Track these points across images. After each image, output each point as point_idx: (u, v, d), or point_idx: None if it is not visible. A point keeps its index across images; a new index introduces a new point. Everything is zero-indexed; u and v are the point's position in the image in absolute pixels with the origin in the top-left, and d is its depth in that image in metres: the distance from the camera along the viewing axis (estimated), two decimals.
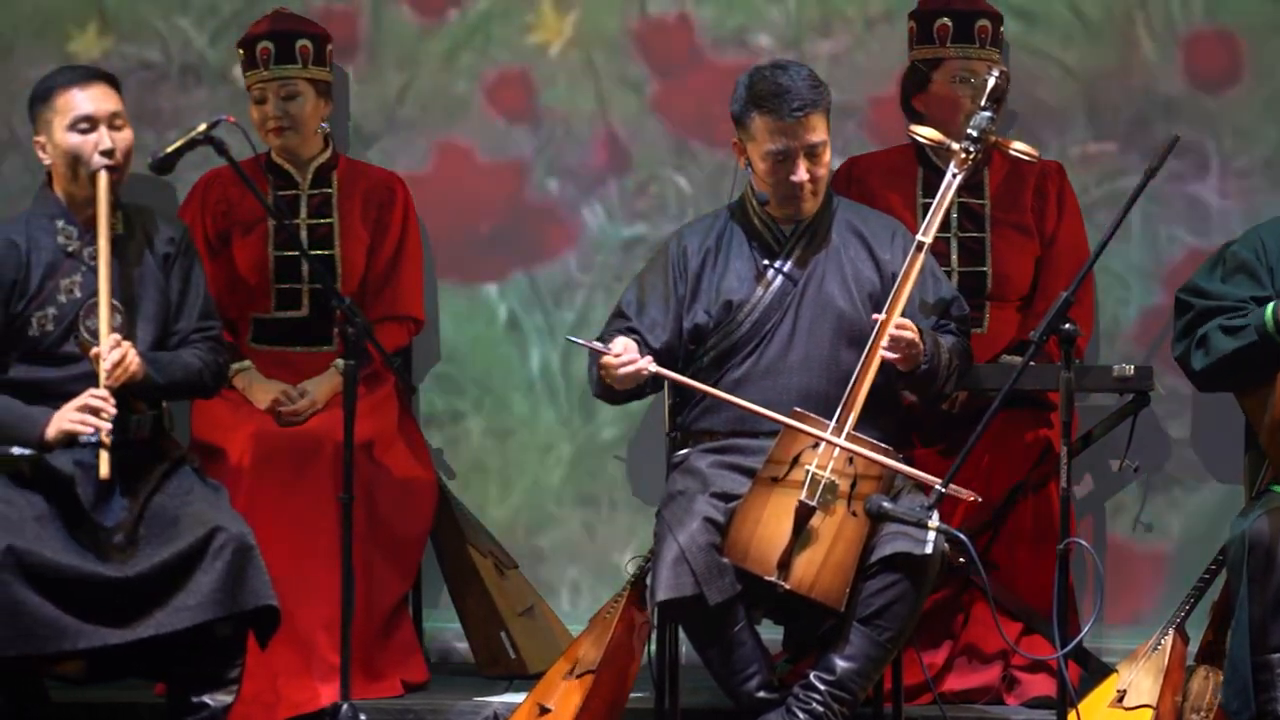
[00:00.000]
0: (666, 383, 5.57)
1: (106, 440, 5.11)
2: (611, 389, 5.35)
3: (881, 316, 5.26)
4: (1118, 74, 6.33)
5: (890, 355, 5.24)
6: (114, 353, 5.17)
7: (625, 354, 5.26)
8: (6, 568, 4.99)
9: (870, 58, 6.36)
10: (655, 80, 6.46)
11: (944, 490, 5.15)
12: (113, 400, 5.14)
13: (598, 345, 5.29)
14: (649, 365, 5.26)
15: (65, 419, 5.17)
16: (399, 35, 6.49)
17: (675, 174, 6.46)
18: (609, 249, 6.44)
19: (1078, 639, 5.36)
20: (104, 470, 5.10)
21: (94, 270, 5.29)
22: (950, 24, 6.01)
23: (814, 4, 6.40)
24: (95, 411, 5.13)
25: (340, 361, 5.72)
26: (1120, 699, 5.37)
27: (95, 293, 5.26)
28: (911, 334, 5.25)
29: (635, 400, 5.51)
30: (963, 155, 5.40)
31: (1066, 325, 5.17)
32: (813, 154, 5.36)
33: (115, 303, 5.27)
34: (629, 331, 5.43)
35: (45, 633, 5.01)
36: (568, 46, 6.48)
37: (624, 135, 6.45)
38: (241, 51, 6.12)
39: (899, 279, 5.32)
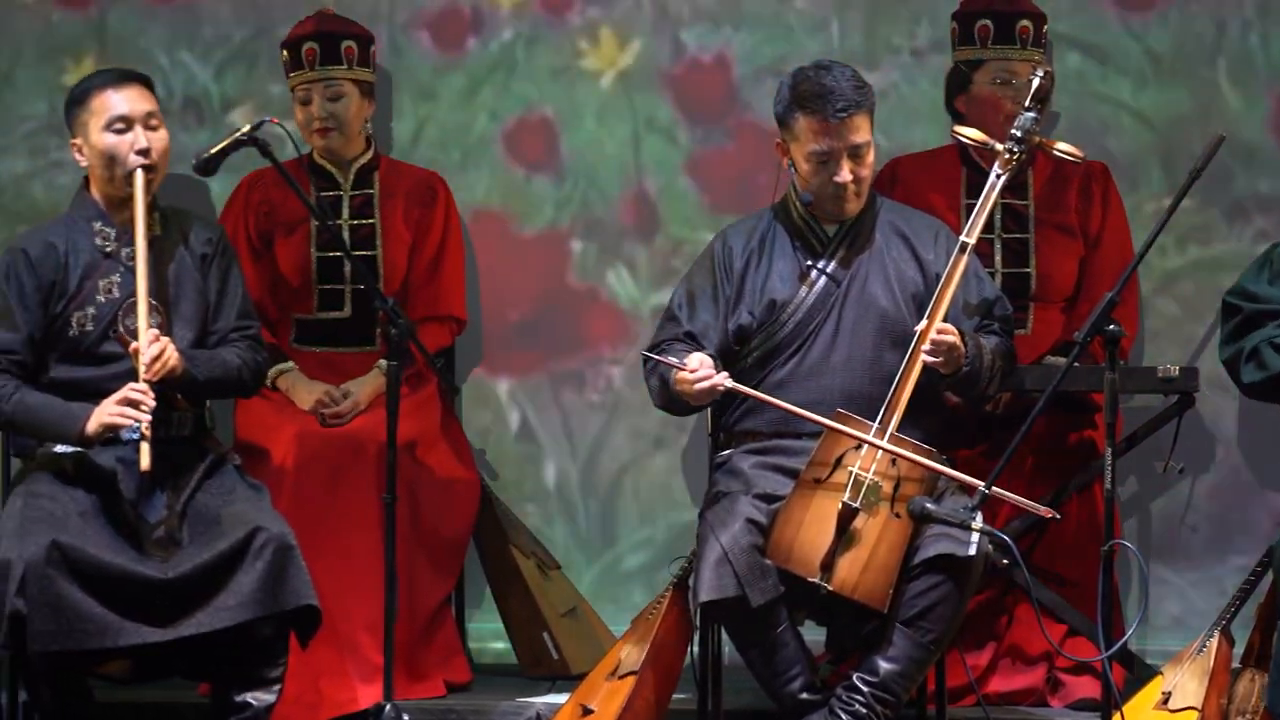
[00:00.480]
0: None
1: (147, 433, 5.13)
2: (675, 401, 5.35)
3: (923, 323, 5.25)
4: (1195, 120, 6.18)
5: (931, 359, 5.22)
6: (153, 347, 5.19)
7: (700, 369, 5.25)
8: (52, 563, 5.01)
9: (917, 93, 6.31)
10: (688, 128, 6.36)
11: (988, 492, 5.13)
12: (152, 393, 5.16)
13: (673, 361, 5.27)
14: (725, 381, 5.25)
15: (105, 413, 5.19)
16: (417, 68, 6.42)
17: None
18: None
19: (1122, 641, 5.34)
20: (144, 462, 5.12)
21: (132, 270, 5.31)
22: (991, 25, 5.99)
23: (858, 35, 6.35)
24: (135, 404, 5.15)
25: (383, 362, 5.72)
26: (1165, 701, 5.34)
27: (133, 292, 5.28)
28: (952, 338, 5.24)
29: (696, 413, 5.50)
30: (1006, 156, 5.38)
31: (1111, 326, 5.15)
32: (856, 154, 5.35)
33: (154, 302, 5.29)
34: (687, 337, 5.42)
35: (88, 628, 5.03)
36: (600, 85, 6.41)
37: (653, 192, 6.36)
38: (286, 53, 6.13)
39: (942, 280, 5.31)
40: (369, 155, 6.18)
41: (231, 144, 5.33)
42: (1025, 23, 5.99)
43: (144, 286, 5.23)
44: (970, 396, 5.42)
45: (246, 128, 5.33)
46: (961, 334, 5.28)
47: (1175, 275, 6.22)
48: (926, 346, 5.22)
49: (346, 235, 6.09)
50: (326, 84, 6.07)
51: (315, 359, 6.10)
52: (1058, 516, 5.23)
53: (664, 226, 6.40)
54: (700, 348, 5.37)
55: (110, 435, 5.21)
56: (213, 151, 5.33)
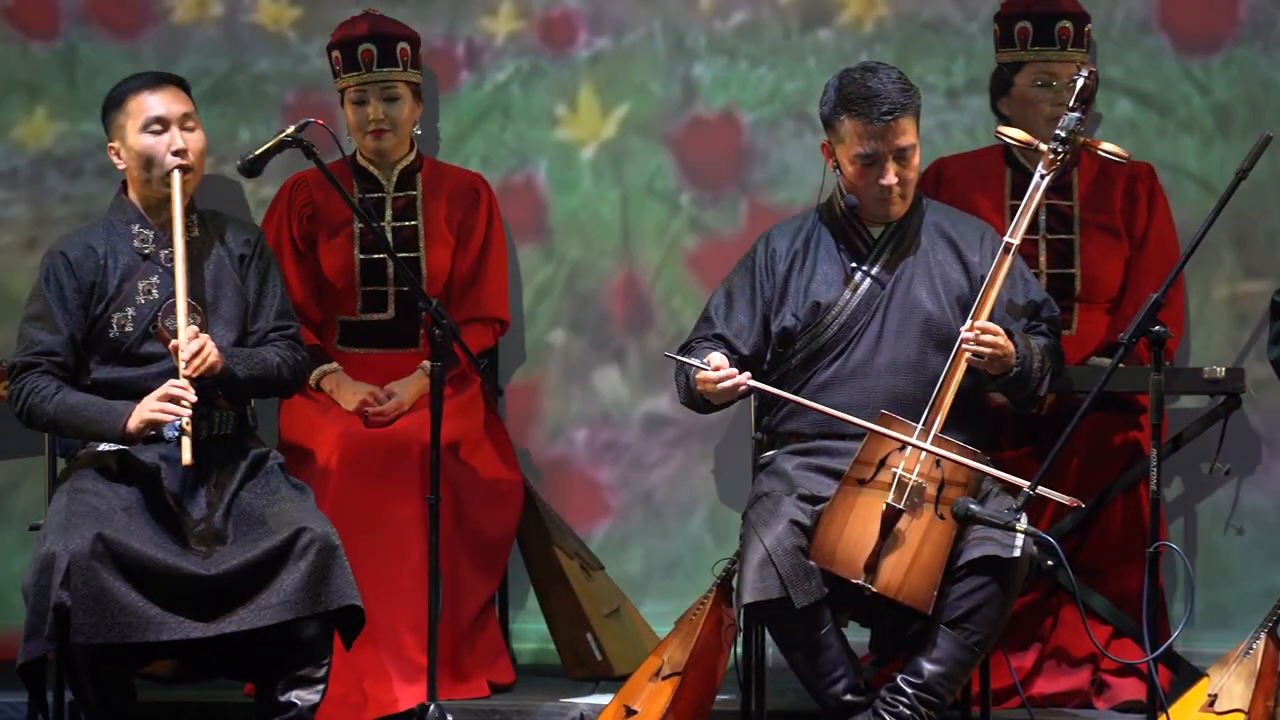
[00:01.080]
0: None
1: (188, 427, 5.15)
2: (698, 400, 5.35)
3: (968, 324, 5.24)
4: (1271, 189, 6.02)
5: (976, 359, 5.21)
6: (192, 343, 5.21)
7: (722, 369, 5.26)
8: (96, 556, 5.03)
9: (948, 132, 6.26)
10: (693, 195, 6.30)
11: (1032, 493, 5.12)
12: (192, 389, 5.18)
13: (694, 362, 5.28)
14: (746, 380, 5.25)
15: (146, 409, 5.21)
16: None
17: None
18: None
19: (1168, 642, 5.32)
20: (186, 456, 5.14)
21: (170, 271, 5.34)
22: (1029, 27, 5.98)
23: None
24: (175, 400, 5.17)
25: (427, 363, 5.73)
26: (1211, 704, 5.32)
27: (173, 293, 5.31)
28: (998, 339, 5.22)
29: (722, 410, 5.50)
30: (1050, 156, 5.37)
31: (1156, 327, 5.14)
32: (902, 157, 5.34)
33: (192, 303, 5.31)
34: (716, 339, 5.42)
35: (131, 622, 5.04)
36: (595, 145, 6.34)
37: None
38: (338, 54, 6.11)
39: (986, 281, 5.30)
40: (412, 156, 6.19)
41: (276, 145, 5.34)
42: (1065, 23, 5.97)
43: (183, 285, 5.25)
44: (1020, 399, 5.40)
45: (291, 129, 5.34)
46: (1010, 334, 5.27)
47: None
48: (970, 347, 5.21)
49: (390, 237, 6.09)
50: (383, 86, 6.07)
51: (359, 360, 6.11)
52: (1082, 505, 5.20)
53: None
54: (731, 350, 5.38)
55: (152, 432, 5.24)
56: (257, 153, 5.34)
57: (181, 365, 5.20)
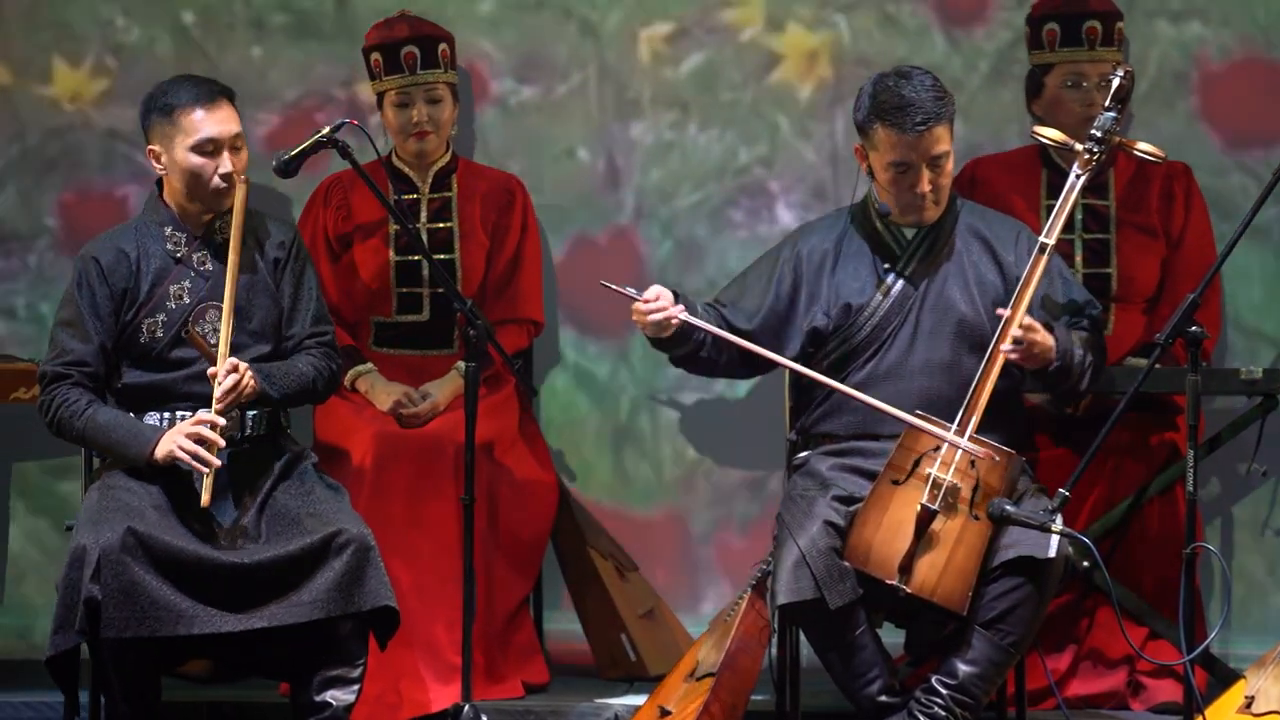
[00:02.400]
0: (788, 384, 5.57)
1: (209, 479, 5.15)
2: (660, 341, 5.33)
3: (1006, 312, 5.22)
4: None
5: (1012, 356, 5.20)
6: (230, 378, 5.20)
7: (656, 301, 5.24)
8: (127, 550, 5.03)
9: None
10: None
11: (1067, 494, 5.10)
12: (222, 424, 5.17)
13: (629, 292, 5.25)
14: (679, 314, 5.24)
15: (174, 443, 5.19)
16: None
17: None
18: None
19: (1204, 644, 5.30)
20: (205, 498, 5.14)
21: (203, 276, 5.33)
22: (1057, 28, 5.97)
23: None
24: (204, 442, 5.15)
25: (461, 364, 5.73)
26: (1248, 705, 5.30)
27: (204, 299, 5.31)
28: (1038, 335, 5.21)
29: (691, 365, 5.41)
30: (1086, 156, 5.35)
31: (1193, 327, 5.12)
32: (936, 165, 5.32)
33: (216, 305, 5.29)
34: (711, 306, 5.41)
35: (162, 615, 5.04)
36: None
37: None
38: (378, 57, 6.11)
39: (1022, 281, 5.28)
40: (447, 157, 6.19)
41: (311, 145, 5.34)
42: (1092, 23, 5.95)
43: (229, 305, 5.23)
44: (1062, 392, 5.37)
45: (326, 129, 5.33)
46: (1050, 327, 5.25)
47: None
48: (1007, 345, 5.19)
49: (425, 238, 6.10)
50: (427, 88, 6.07)
51: (394, 361, 6.11)
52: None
53: None
54: (725, 322, 5.35)
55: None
56: (293, 153, 5.34)
57: (215, 400, 5.17)
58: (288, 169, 5.35)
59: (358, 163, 5.37)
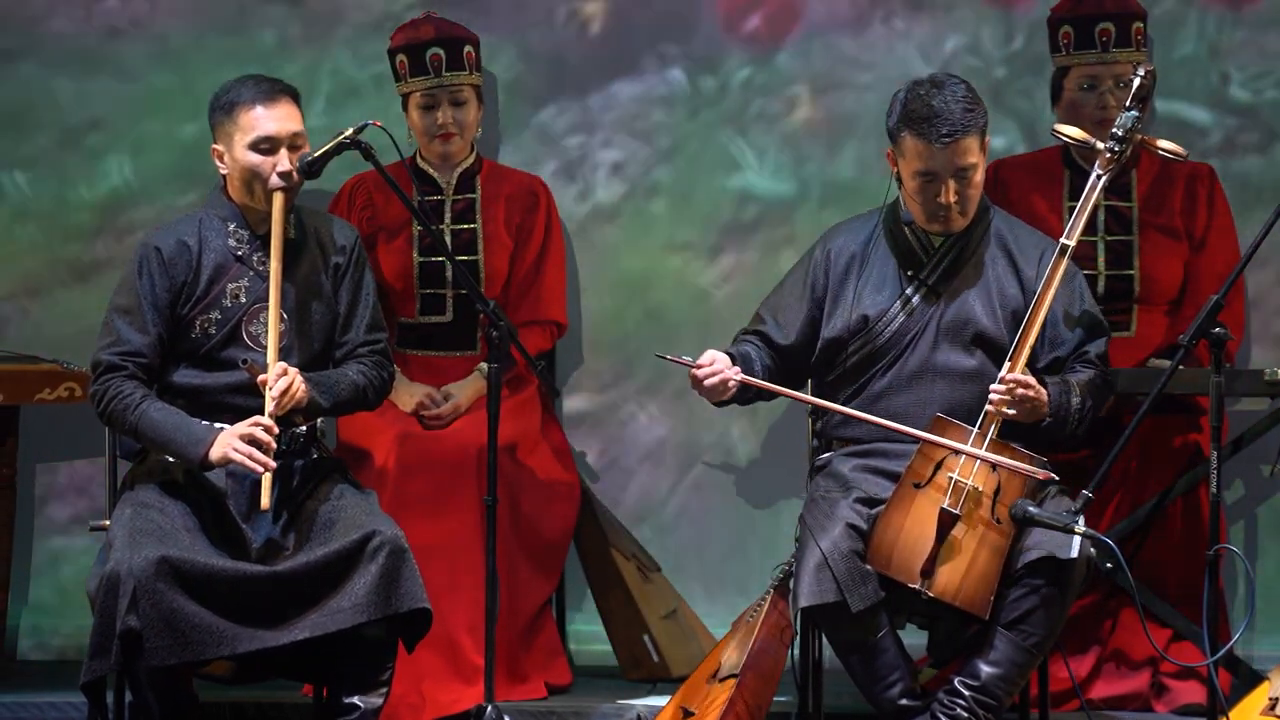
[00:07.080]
0: (810, 387, 5.57)
1: (268, 480, 5.09)
2: (719, 401, 5.36)
3: (1013, 350, 5.21)
4: None
5: (1008, 411, 5.17)
6: (280, 382, 5.15)
7: (711, 366, 5.26)
8: (161, 578, 4.97)
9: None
10: None
11: (1090, 495, 5.10)
12: (276, 429, 5.13)
13: (685, 360, 5.27)
14: (734, 376, 5.26)
15: (229, 445, 5.12)
16: None
17: None
18: None
19: (1228, 646, 5.29)
20: (265, 501, 5.09)
21: (261, 276, 5.28)
22: (1071, 31, 5.96)
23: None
24: (260, 445, 5.10)
25: (484, 365, 5.74)
26: (1272, 707, 5.29)
27: (260, 299, 5.26)
28: (1029, 391, 5.18)
29: (738, 404, 5.46)
30: (1108, 155, 5.34)
31: (1216, 329, 5.11)
32: (962, 176, 5.30)
33: (280, 311, 5.26)
34: (756, 335, 5.43)
35: (202, 639, 4.99)
36: None
37: None
38: (403, 58, 6.12)
39: (1042, 284, 5.26)
40: (472, 159, 6.20)
41: (335, 146, 5.33)
42: (1106, 25, 5.93)
43: (275, 314, 5.19)
44: (1055, 440, 5.35)
45: (350, 130, 5.33)
46: (1042, 380, 5.22)
47: None
48: (996, 396, 5.16)
49: (448, 240, 6.10)
50: (452, 90, 6.07)
51: (417, 362, 6.12)
52: (1054, 478, 5.16)
53: None
54: (770, 344, 5.39)
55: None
56: (317, 154, 5.32)
57: (269, 404, 5.12)
58: (312, 170, 5.33)
59: (380, 164, 5.37)
